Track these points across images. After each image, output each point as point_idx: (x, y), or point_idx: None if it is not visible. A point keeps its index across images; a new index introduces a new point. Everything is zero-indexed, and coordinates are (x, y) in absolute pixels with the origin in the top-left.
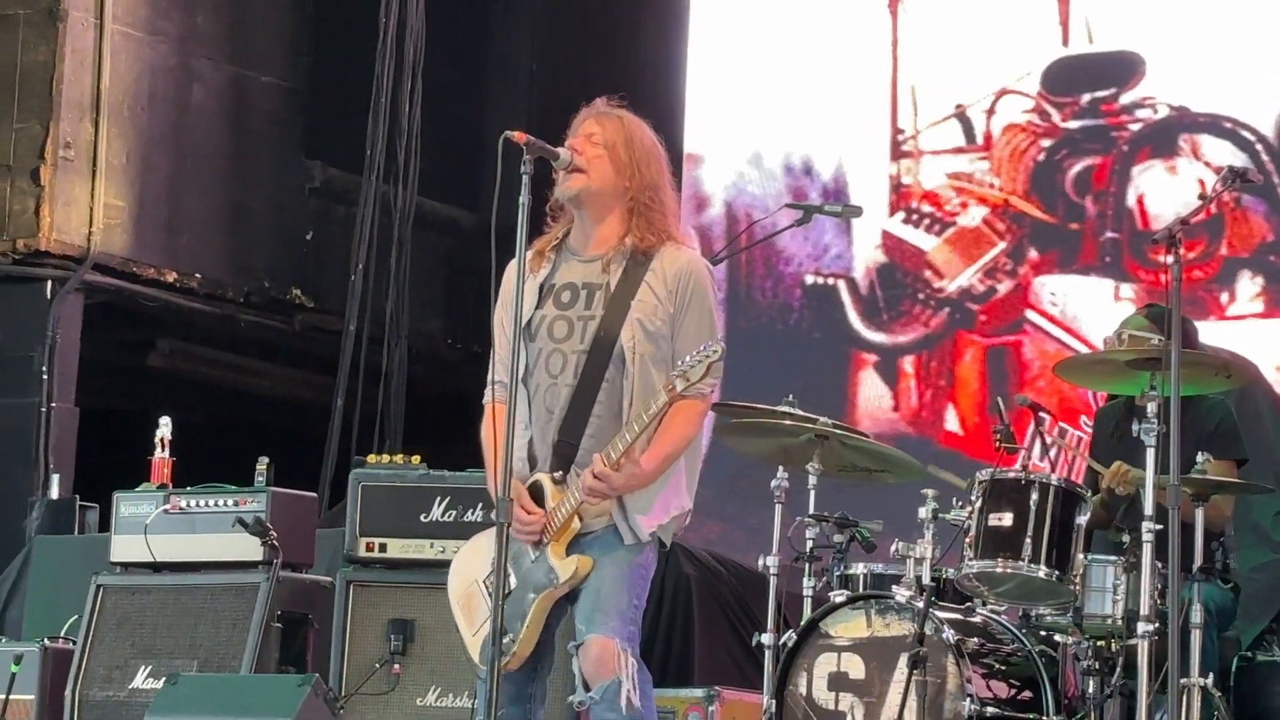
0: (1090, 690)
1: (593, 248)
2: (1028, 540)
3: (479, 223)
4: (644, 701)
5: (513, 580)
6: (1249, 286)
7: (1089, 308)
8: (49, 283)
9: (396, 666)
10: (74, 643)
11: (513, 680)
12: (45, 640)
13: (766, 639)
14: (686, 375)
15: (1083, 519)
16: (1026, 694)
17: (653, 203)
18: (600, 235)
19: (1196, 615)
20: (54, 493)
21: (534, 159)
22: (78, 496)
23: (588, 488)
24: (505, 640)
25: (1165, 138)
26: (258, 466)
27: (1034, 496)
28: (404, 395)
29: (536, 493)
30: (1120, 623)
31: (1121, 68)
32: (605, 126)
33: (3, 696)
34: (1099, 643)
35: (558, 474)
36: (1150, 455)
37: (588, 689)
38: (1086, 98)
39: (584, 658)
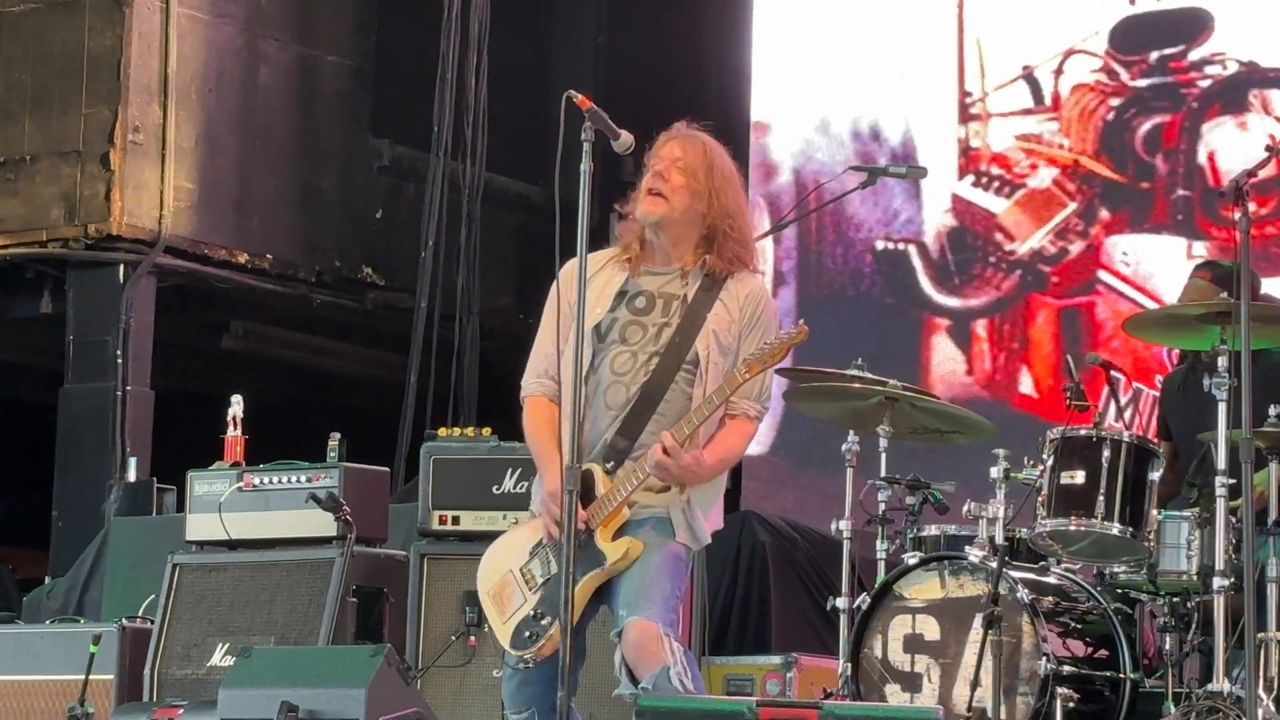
0: (1168, 647)
1: (670, 263)
2: (1100, 498)
3: (548, 197)
4: (695, 682)
5: (553, 565)
6: None
7: (1161, 266)
8: (121, 267)
9: (472, 639)
10: (152, 622)
11: (546, 668)
12: (123, 620)
13: (841, 603)
14: (764, 359)
15: (1155, 475)
16: (1103, 652)
17: (731, 230)
18: (677, 253)
19: (1273, 569)
20: (131, 475)
21: (594, 129)
22: (155, 479)
23: (656, 462)
24: (544, 623)
25: (1235, 94)
26: (330, 442)
27: (1106, 453)
28: (477, 371)
29: (587, 480)
30: (1196, 578)
31: (1189, 24)
32: (689, 152)
33: (83, 676)
34: (1175, 599)
35: (609, 464)
36: (1222, 409)
37: (634, 679)
38: (1155, 55)
39: (625, 642)
